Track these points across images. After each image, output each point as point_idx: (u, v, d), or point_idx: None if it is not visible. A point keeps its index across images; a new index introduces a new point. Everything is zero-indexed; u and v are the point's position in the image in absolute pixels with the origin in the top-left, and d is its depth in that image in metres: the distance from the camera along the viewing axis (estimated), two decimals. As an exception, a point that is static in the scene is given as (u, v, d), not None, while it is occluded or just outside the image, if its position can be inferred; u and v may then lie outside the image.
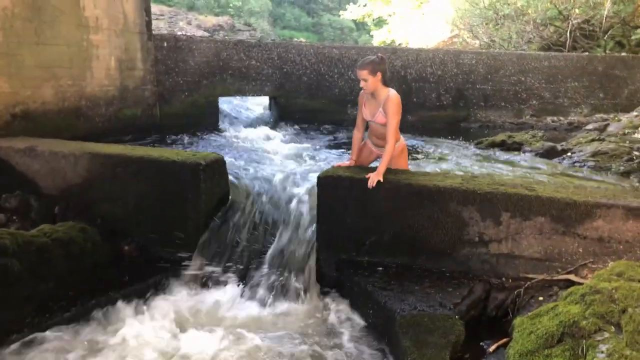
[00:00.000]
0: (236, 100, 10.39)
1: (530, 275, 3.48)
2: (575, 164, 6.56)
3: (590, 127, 9.40)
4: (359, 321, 3.52)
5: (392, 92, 3.93)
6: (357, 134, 4.26)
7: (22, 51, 5.57)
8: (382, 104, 3.92)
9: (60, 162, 4.53)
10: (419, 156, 7.11)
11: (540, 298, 3.27)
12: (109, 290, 3.68)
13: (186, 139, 7.56)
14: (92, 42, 6.71)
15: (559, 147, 7.43)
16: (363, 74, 3.84)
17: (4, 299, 3.18)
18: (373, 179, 3.67)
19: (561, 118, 11.67)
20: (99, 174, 4.40)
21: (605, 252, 3.36)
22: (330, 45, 11.27)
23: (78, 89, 6.52)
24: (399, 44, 24.42)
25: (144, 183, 4.26)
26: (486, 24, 18.38)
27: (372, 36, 30.87)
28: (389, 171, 3.96)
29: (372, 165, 4.37)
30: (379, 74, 3.85)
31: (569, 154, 7.10)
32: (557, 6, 15.89)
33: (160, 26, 19.35)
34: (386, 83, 3.95)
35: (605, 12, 14.91)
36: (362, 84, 3.90)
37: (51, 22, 5.96)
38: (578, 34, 16.21)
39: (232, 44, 9.78)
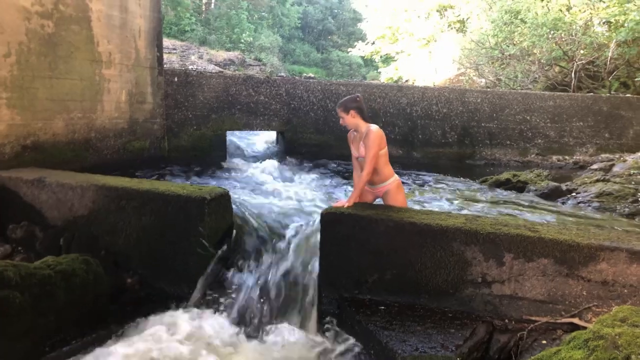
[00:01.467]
0: (244, 134, 10.51)
1: (534, 318, 3.44)
2: (580, 205, 6.55)
3: (595, 166, 9.40)
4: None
5: (373, 126, 4.08)
6: (355, 175, 4.34)
7: (36, 84, 5.72)
8: (363, 138, 4.08)
9: (68, 194, 4.58)
10: (423, 193, 7.12)
11: (544, 341, 3.22)
12: (109, 323, 3.67)
13: (193, 172, 7.64)
14: (104, 77, 6.87)
15: (563, 186, 7.43)
16: (338, 112, 4.13)
17: (4, 332, 3.17)
18: (341, 204, 3.94)
19: (566, 157, 11.71)
20: (104, 206, 4.45)
21: (610, 296, 3.32)
22: (337, 82, 11.46)
23: (88, 122, 6.64)
24: (406, 81, 24.77)
25: (148, 216, 4.30)
26: (492, 63, 18.65)
27: (379, 73, 31.36)
28: (391, 209, 3.99)
29: (377, 201, 4.40)
30: (352, 112, 4.06)
31: (573, 194, 7.09)
32: (562, 47, 16.13)
33: (172, 60, 19.75)
34: (366, 119, 4.12)
35: (610, 54, 15.11)
36: (340, 121, 4.16)
37: (65, 57, 6.13)
38: (583, 75, 16.41)
39: (241, 79, 9.97)
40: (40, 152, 5.83)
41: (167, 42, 17.69)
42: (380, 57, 31.10)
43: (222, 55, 24.71)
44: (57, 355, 3.32)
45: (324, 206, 4.33)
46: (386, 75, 28.48)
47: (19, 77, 5.49)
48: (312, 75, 26.17)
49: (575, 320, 3.30)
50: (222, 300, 4.08)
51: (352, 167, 4.42)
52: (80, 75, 6.42)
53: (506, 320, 3.51)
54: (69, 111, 6.28)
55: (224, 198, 4.42)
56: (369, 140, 4.01)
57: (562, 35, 15.90)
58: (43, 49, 5.80)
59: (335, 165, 9.59)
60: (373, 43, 30.07)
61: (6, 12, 5.29)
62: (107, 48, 6.89)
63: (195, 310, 4.04)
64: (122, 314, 3.86)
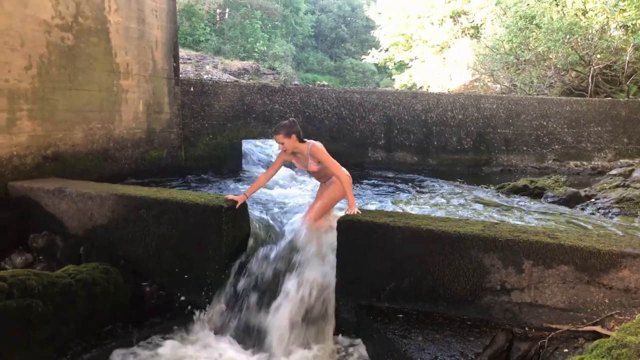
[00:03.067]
0: (259, 143, 10.57)
1: (555, 326, 3.39)
2: (600, 211, 6.46)
3: (614, 172, 9.28)
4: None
5: (312, 143, 4.29)
6: (262, 177, 4.48)
7: (56, 96, 5.82)
8: (310, 156, 4.28)
9: (87, 203, 4.65)
10: (439, 200, 7.09)
11: (565, 350, 3.18)
12: (129, 332, 3.70)
13: (210, 180, 7.69)
14: (122, 87, 6.97)
15: (582, 192, 7.33)
16: (279, 138, 4.20)
17: (27, 340, 3.22)
18: (355, 211, 4.02)
19: (584, 163, 11.57)
20: (123, 215, 4.50)
21: (633, 303, 3.27)
22: (351, 90, 11.48)
23: (107, 132, 6.74)
24: (420, 88, 24.72)
25: (167, 225, 4.34)
26: (507, 68, 18.54)
27: (393, 80, 31.36)
28: (409, 216, 3.98)
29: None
30: (294, 136, 4.20)
31: (592, 200, 6.99)
32: (578, 52, 15.98)
33: (187, 70, 19.96)
34: (301, 140, 4.28)
35: (627, 58, 14.94)
36: (279, 146, 4.25)
37: (84, 69, 6.23)
38: (600, 79, 16.23)
39: (256, 88, 10.04)
40: (60, 163, 5.93)
41: (182, 52, 17.88)
42: (394, 64, 31.11)
43: (236, 64, 24.91)
44: (78, 364, 3.36)
45: (340, 214, 4.32)
46: (400, 82, 28.47)
47: (39, 89, 5.60)
48: (326, 83, 26.25)
49: (598, 329, 3.25)
50: (238, 309, 4.08)
51: (266, 170, 4.58)
52: (99, 86, 6.52)
53: (526, 328, 3.47)
54: (88, 122, 6.38)
55: (241, 206, 4.44)
56: (320, 154, 4.24)
57: (578, 39, 15.75)
58: (63, 61, 5.91)
59: (352, 172, 9.56)
60: (386, 50, 30.09)
61: (27, 26, 5.41)
62: (125, 59, 6.99)
63: (213, 318, 4.06)
64: (141, 322, 3.89)
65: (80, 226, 4.71)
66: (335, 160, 4.29)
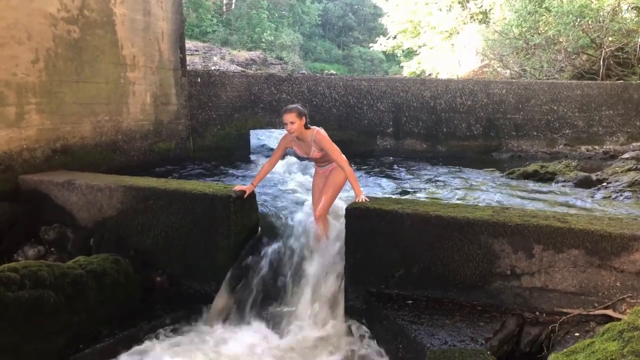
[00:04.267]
0: (267, 133, 10.56)
1: (565, 310, 3.37)
2: (612, 195, 6.38)
3: (626, 155, 9.17)
4: (388, 355, 3.46)
5: (317, 130, 4.26)
6: (266, 165, 4.47)
7: (64, 89, 5.84)
8: (313, 143, 4.24)
9: (97, 195, 4.68)
10: (449, 187, 7.05)
11: (576, 334, 3.16)
12: (139, 322, 3.74)
13: (218, 170, 7.70)
14: (129, 79, 6.98)
15: (593, 177, 7.25)
16: (291, 116, 4.12)
17: (39, 330, 3.26)
18: (363, 199, 4.02)
19: (596, 147, 11.44)
20: (132, 206, 4.52)
21: (645, 287, 3.24)
22: (359, 78, 11.41)
23: (115, 124, 6.76)
24: (429, 75, 24.53)
25: (176, 215, 4.36)
26: (516, 53, 18.31)
27: (401, 67, 31.12)
28: (417, 203, 3.96)
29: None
30: (304, 118, 4.18)
31: (604, 184, 6.91)
32: (589, 34, 15.74)
33: (195, 61, 19.94)
34: (307, 126, 4.24)
35: (640, 40, 14.70)
36: (289, 127, 4.15)
37: (91, 61, 6.24)
38: (612, 62, 15.98)
39: (263, 78, 10.02)
40: (69, 155, 5.96)
41: (189, 43, 17.85)
42: (402, 51, 30.82)
43: (243, 55, 24.85)
44: (91, 352, 3.40)
45: (349, 200, 4.31)
46: (409, 69, 28.24)
47: (47, 83, 5.62)
48: (334, 72, 26.13)
49: (609, 312, 3.22)
50: (246, 298, 4.10)
51: (269, 159, 4.53)
52: (106, 78, 6.53)
53: (537, 313, 3.45)
54: (96, 114, 6.40)
55: (249, 196, 4.44)
56: (324, 141, 4.21)
57: (589, 22, 15.49)
58: (69, 54, 5.92)
59: (359, 161, 9.54)
60: (394, 37, 29.81)
61: (34, 19, 5.42)
62: (132, 51, 6.99)
63: (221, 307, 4.08)
64: (151, 312, 3.92)
65: (90, 218, 4.75)
66: (337, 148, 4.26)
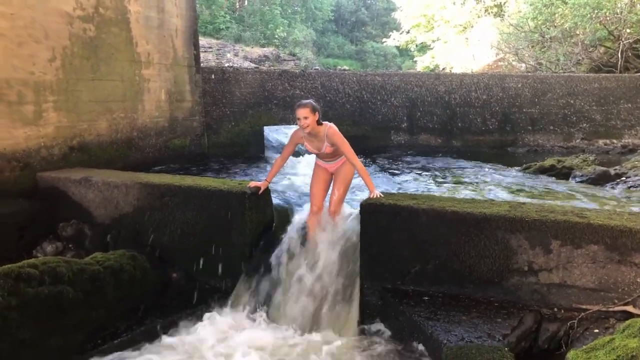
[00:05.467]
0: (282, 129, 10.56)
1: (584, 306, 3.33)
2: (631, 189, 6.28)
3: (646, 149, 9.00)
4: (404, 352, 3.45)
5: (329, 125, 4.23)
6: (279, 160, 4.44)
7: (80, 87, 5.90)
8: (326, 139, 4.21)
9: (113, 192, 4.72)
10: (465, 182, 6.99)
11: (596, 330, 3.12)
12: (156, 317, 3.77)
13: (233, 166, 7.73)
14: (144, 77, 7.02)
15: (612, 171, 7.14)
16: (305, 111, 4.08)
17: (58, 325, 3.30)
18: (377, 194, 4.00)
19: (614, 141, 11.26)
20: (148, 203, 4.56)
21: (666, 283, 3.18)
22: (372, 73, 11.36)
23: (130, 121, 6.81)
24: (443, 69, 24.33)
25: (191, 212, 4.38)
26: (532, 46, 18.08)
27: (415, 62, 30.90)
28: (433, 198, 3.94)
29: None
30: (317, 113, 4.14)
31: (623, 178, 6.80)
32: (607, 27, 15.48)
33: (208, 58, 20.04)
34: (319, 122, 4.20)
35: (659, 31, 14.42)
36: (302, 122, 4.10)
37: (106, 59, 6.29)
38: (630, 54, 15.70)
39: (276, 74, 10.02)
40: (86, 152, 6.02)
41: (202, 40, 17.93)
42: (416, 46, 30.59)
43: (256, 51, 24.90)
44: (109, 348, 3.44)
45: (364, 196, 4.30)
46: (422, 64, 28.02)
47: (63, 81, 5.68)
48: (347, 68, 26.06)
49: (629, 308, 3.18)
50: (262, 295, 4.10)
51: (281, 154, 4.48)
52: (121, 76, 6.58)
53: (555, 309, 3.41)
54: (112, 111, 6.46)
55: (264, 192, 4.45)
56: (337, 137, 4.19)
57: (607, 14, 15.22)
58: (85, 52, 5.97)
59: (375, 156, 9.51)
60: (408, 32, 29.59)
61: (50, 18, 5.47)
62: (146, 48, 7.03)
63: (237, 303, 4.10)
64: (168, 308, 3.95)
65: (107, 214, 4.79)
66: (349, 144, 4.24)
